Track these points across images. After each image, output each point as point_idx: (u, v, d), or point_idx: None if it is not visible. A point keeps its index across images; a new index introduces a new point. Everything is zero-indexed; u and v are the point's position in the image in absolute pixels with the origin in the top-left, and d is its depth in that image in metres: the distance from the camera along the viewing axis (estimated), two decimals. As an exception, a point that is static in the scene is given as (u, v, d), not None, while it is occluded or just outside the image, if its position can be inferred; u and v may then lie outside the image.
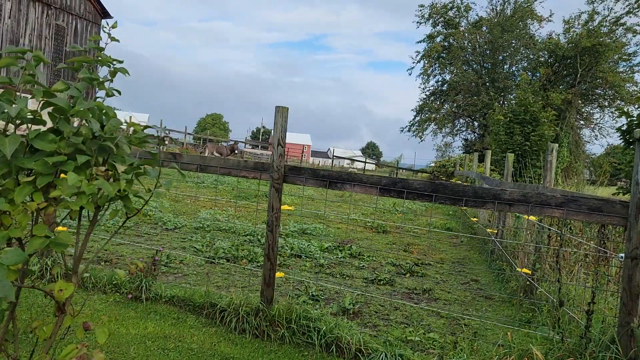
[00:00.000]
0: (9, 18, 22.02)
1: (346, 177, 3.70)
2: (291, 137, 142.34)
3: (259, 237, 8.07)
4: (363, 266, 7.00)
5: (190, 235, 7.86)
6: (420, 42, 27.43)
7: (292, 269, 6.49)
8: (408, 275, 6.78)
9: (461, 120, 28.04)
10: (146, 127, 1.93)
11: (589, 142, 28.20)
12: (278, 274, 4.14)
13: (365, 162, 37.31)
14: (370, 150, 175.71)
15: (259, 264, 6.38)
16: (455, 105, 27.32)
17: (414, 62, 27.92)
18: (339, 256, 7.51)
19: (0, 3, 21.54)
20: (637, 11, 25.20)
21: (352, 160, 44.57)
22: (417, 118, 28.29)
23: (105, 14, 26.90)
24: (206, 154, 22.54)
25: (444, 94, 27.60)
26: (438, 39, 26.48)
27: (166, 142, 24.02)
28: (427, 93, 28.30)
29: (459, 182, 14.95)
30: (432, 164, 23.36)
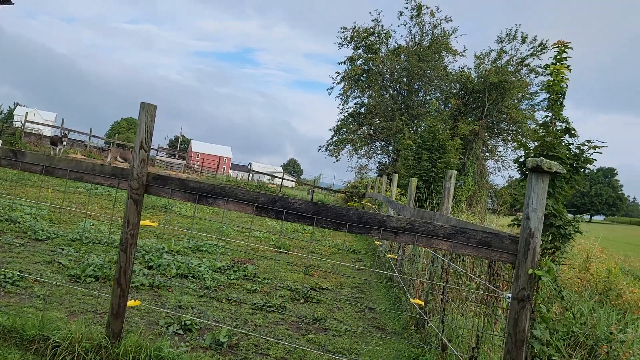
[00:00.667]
0: None
1: (219, 192, 3.19)
2: (210, 148, 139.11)
3: (144, 252, 7.26)
4: (255, 289, 6.46)
5: (61, 248, 6.88)
6: (340, 63, 27.83)
7: (173, 291, 5.81)
8: (302, 301, 6.34)
9: (377, 144, 28.59)
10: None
11: (492, 173, 29.90)
12: (132, 303, 3.50)
13: (282, 179, 36.91)
14: (292, 167, 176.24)
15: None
16: (372, 128, 27.81)
17: (334, 83, 28.20)
18: (232, 277, 6.91)
19: None
20: (540, 54, 27.38)
21: (272, 176, 44.04)
22: (335, 138, 28.47)
23: (6, 0, 24.47)
24: (108, 160, 20.96)
25: (362, 116, 28.04)
26: (358, 62, 26.95)
27: (64, 143, 22.05)
28: (346, 114, 28.65)
29: (369, 203, 14.93)
30: (345, 185, 23.51)
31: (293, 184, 75.07)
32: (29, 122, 30.84)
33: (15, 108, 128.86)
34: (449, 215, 4.82)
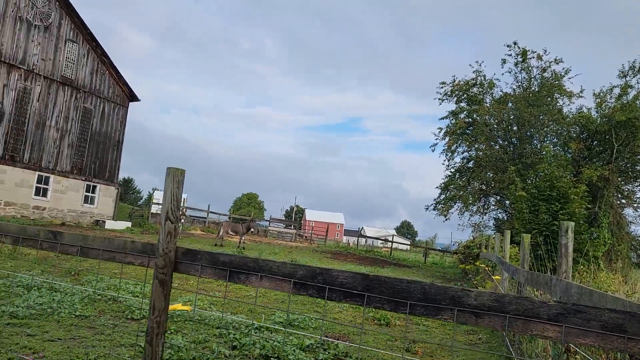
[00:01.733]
0: (37, 101, 22.81)
1: (252, 266, 2.64)
2: (323, 216, 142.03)
3: (233, 328, 6.84)
4: (344, 374, 5.65)
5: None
6: (443, 118, 26.86)
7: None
8: (399, 387, 5.39)
9: (490, 199, 26.51)
10: None
11: (633, 223, 25.92)
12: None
13: (392, 241, 35.73)
14: (405, 230, 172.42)
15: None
16: (483, 182, 25.95)
17: (436, 139, 27.13)
18: (320, 357, 6.18)
19: (30, 87, 22.42)
20: (673, 84, 24.00)
21: (386, 240, 42.91)
22: (442, 196, 26.98)
23: (133, 97, 27.76)
24: (220, 234, 21.74)
25: (470, 170, 26.39)
26: (462, 115, 25.79)
27: (182, 221, 23.42)
28: (452, 170, 27.19)
29: (483, 265, 13.42)
30: (457, 245, 21.74)
31: (407, 247, 72.81)
32: (155, 204, 33.77)
33: (153, 192, 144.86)
34: (569, 280, 3.75)
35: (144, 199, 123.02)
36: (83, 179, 24.92)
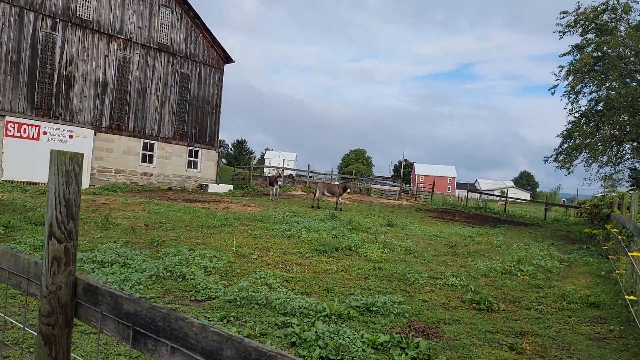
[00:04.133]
0: (137, 70, 23.51)
1: (161, 327, 1.53)
2: (433, 170, 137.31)
3: (295, 315, 5.91)
4: (421, 388, 4.44)
5: (205, 316, 6.02)
6: (564, 54, 22.95)
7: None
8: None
9: (625, 146, 22.52)
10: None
11: None
12: None
13: (506, 197, 32.77)
14: (524, 181, 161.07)
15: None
16: (616, 127, 22.04)
17: (557, 80, 23.34)
18: (394, 361, 5.02)
19: (129, 56, 23.12)
20: None
21: (501, 195, 39.75)
22: (565, 145, 23.45)
23: (228, 59, 27.70)
24: (317, 195, 21.10)
25: (599, 114, 22.50)
26: (588, 49, 21.80)
27: (279, 183, 23.20)
28: (577, 115, 23.39)
29: (615, 230, 11.04)
30: (588, 198, 18.60)
31: (527, 201, 67.49)
32: (266, 166, 34.13)
33: (265, 153, 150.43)
34: None
35: (257, 160, 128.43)
36: (185, 144, 25.66)
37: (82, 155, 1.83)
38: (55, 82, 20.83)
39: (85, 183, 21.60)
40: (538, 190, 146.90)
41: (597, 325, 6.85)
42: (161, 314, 1.52)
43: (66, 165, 1.77)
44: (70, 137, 21.31)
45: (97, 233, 10.74)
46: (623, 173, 22.91)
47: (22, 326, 2.15)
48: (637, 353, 5.68)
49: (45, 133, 20.64)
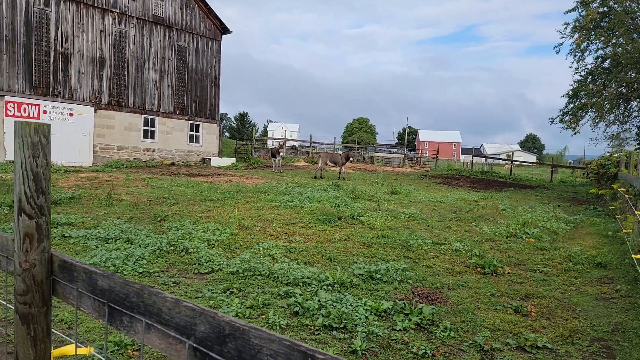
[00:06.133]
0: (134, 44, 23.14)
1: (135, 302, 1.46)
2: (438, 135, 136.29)
3: (299, 284, 5.89)
4: (425, 354, 4.42)
5: (209, 288, 6.00)
6: (569, 11, 22.30)
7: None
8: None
9: (632, 104, 22.06)
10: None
11: None
12: None
13: (512, 160, 32.52)
14: (530, 144, 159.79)
15: None
16: (623, 84, 21.54)
17: (562, 37, 22.71)
18: (397, 327, 5.01)
19: (125, 30, 22.72)
20: None
21: (507, 159, 39.44)
22: (570, 105, 23.00)
23: (225, 30, 27.18)
24: (320, 165, 21.00)
25: (606, 72, 21.97)
26: (594, 5, 21.14)
27: (281, 154, 23.07)
28: (582, 73, 22.87)
29: (623, 189, 10.90)
30: (595, 159, 18.34)
31: (532, 162, 67.07)
32: (258, 139, 33.93)
33: (268, 125, 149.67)
34: None
35: (259, 132, 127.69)
36: (186, 118, 25.45)
37: (48, 125, 1.73)
38: (52, 60, 20.56)
39: (88, 161, 21.58)
40: (544, 152, 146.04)
41: (603, 285, 6.80)
42: (135, 289, 1.45)
43: (32, 137, 1.67)
44: (71, 115, 21.17)
45: (100, 210, 10.73)
46: (630, 131, 22.57)
47: (4, 303, 2.09)
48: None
49: (45, 112, 20.50)
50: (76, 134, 21.22)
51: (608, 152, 21.47)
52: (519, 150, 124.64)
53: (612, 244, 9.11)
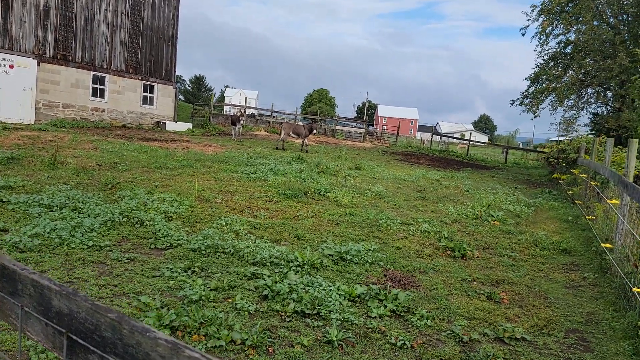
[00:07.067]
0: (84, -6, 21.38)
1: (109, 338, 0.94)
2: (396, 112, 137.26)
3: (265, 265, 5.50)
4: (404, 345, 4.17)
5: (168, 267, 5.51)
6: (537, -8, 22.43)
7: (276, 352, 3.89)
8: (481, 369, 3.88)
9: (590, 90, 22.62)
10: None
11: None
12: None
13: (470, 140, 33.04)
14: (483, 124, 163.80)
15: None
16: (582, 71, 21.99)
17: (528, 20, 22.83)
18: (372, 314, 4.74)
19: (74, -21, 20.92)
20: None
21: (461, 138, 40.03)
22: (532, 89, 23.35)
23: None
24: (282, 136, 20.41)
25: (568, 57, 22.34)
26: (561, -13, 21.27)
27: (242, 122, 22.28)
28: (546, 57, 23.18)
29: (584, 175, 11.07)
30: (551, 143, 18.77)
31: (484, 144, 68.76)
32: (227, 104, 32.72)
33: (225, 90, 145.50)
34: None
35: (216, 97, 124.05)
36: (139, 78, 24.02)
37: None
38: (-10, 5, 18.68)
39: (30, 118, 20.02)
40: (496, 133, 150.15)
41: (570, 272, 6.81)
42: (109, 320, 0.99)
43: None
44: (11, 67, 19.46)
45: (44, 173, 9.85)
46: (584, 116, 23.24)
47: None
48: (613, 302, 5.62)
49: (-18, 62, 18.72)
50: (17, 88, 19.57)
51: (556, 136, 22.03)
52: (473, 130, 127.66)
53: (574, 230, 9.22)
